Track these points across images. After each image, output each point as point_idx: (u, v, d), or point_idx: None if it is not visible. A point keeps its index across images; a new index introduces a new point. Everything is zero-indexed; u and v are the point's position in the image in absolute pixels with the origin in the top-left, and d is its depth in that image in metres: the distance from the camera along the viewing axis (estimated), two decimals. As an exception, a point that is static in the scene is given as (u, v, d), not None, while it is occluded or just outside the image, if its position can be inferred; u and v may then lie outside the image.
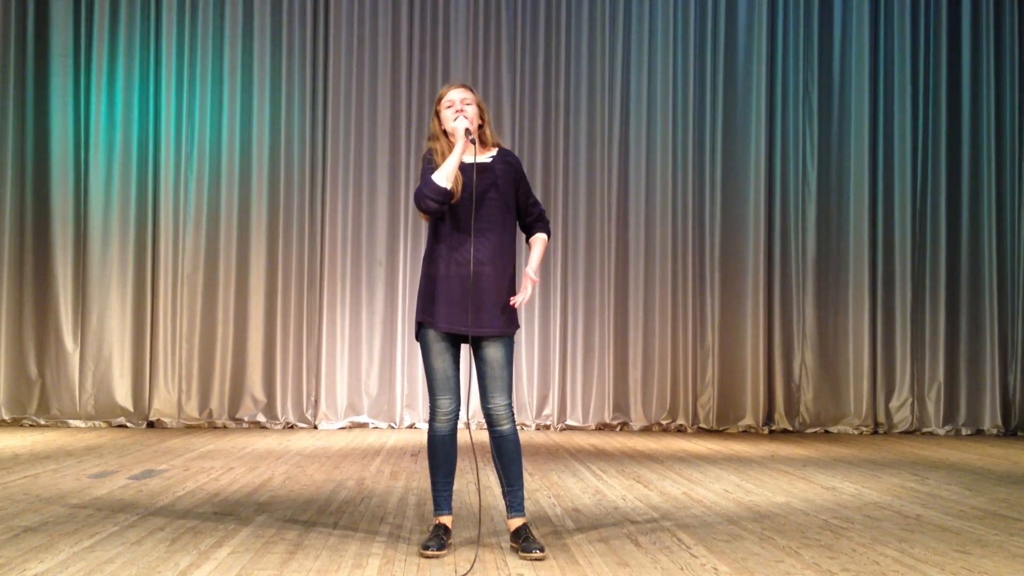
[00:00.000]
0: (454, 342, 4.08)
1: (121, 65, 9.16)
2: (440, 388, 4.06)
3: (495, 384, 4.04)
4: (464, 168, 4.02)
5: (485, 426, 4.16)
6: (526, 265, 4.17)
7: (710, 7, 9.64)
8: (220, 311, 9.17)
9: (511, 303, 4.06)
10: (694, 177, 9.56)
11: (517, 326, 4.13)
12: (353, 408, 9.23)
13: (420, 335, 4.09)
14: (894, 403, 9.63)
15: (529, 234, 4.26)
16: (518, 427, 4.10)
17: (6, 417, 8.92)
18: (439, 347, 4.05)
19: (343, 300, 9.29)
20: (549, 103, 9.54)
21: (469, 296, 3.97)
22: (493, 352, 4.03)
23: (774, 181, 9.62)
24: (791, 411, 9.53)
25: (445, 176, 3.95)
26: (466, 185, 4.01)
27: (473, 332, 3.99)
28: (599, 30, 9.55)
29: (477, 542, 4.16)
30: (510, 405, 4.07)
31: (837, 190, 9.70)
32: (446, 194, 3.96)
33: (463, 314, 3.98)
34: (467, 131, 4.00)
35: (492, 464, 4.27)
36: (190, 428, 8.93)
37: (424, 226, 9.33)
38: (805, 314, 9.60)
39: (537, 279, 4.15)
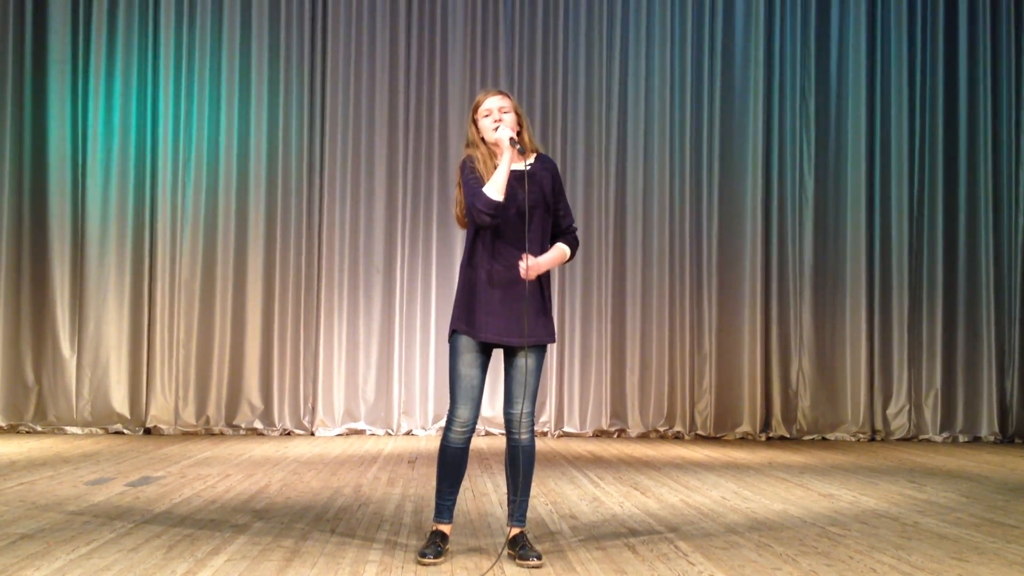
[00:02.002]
0: (486, 350, 4.04)
1: (119, 71, 9.16)
2: (462, 397, 4.01)
3: (521, 391, 4.03)
4: (514, 177, 3.98)
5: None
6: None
7: (707, 13, 9.66)
8: (217, 317, 9.16)
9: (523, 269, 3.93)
10: (691, 183, 9.57)
11: (555, 336, 4.10)
12: (350, 415, 9.22)
13: (452, 341, 4.05)
14: (891, 410, 9.64)
15: (554, 242, 4.14)
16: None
17: (3, 424, 8.90)
18: (471, 356, 4.01)
19: (340, 307, 9.28)
20: (546, 110, 9.55)
21: (525, 306, 3.92)
22: (525, 359, 4.01)
23: (771, 187, 9.64)
24: (788, 418, 9.53)
25: (497, 188, 3.91)
26: (518, 195, 3.97)
27: (514, 343, 3.96)
28: (596, 36, 9.57)
29: (500, 553, 4.16)
30: (532, 414, 4.06)
31: (834, 196, 9.72)
32: (500, 207, 3.91)
33: (505, 324, 3.95)
34: (512, 141, 3.96)
35: (501, 468, 4.26)
36: (187, 435, 8.92)
37: (422, 234, 9.38)
38: (802, 321, 9.61)
39: (535, 264, 3.95)
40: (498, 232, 3.99)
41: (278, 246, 9.23)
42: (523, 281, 3.96)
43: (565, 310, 9.45)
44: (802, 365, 9.59)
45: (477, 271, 4.01)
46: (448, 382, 4.12)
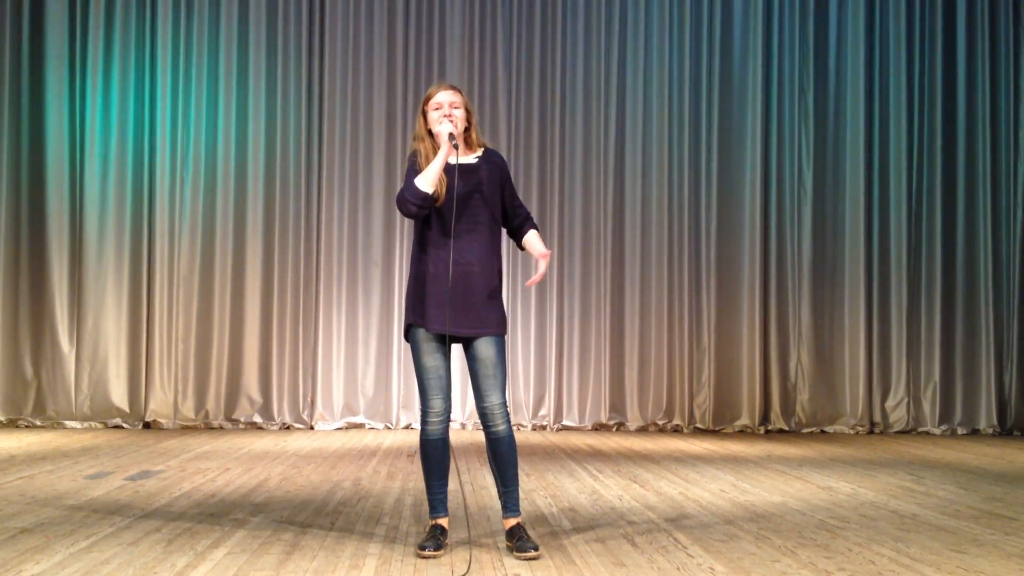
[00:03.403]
0: (444, 342, 4.07)
1: (116, 67, 9.15)
2: (432, 388, 4.04)
3: (489, 383, 4.03)
4: (448, 170, 4.01)
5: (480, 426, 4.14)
6: (535, 252, 4.19)
7: (706, 6, 9.65)
8: (216, 312, 9.17)
9: (528, 284, 4.24)
10: (690, 178, 9.57)
11: (506, 327, 4.14)
12: (349, 409, 9.23)
13: (410, 335, 4.08)
14: (890, 403, 9.65)
15: (520, 234, 4.26)
16: (514, 427, 4.09)
17: (2, 418, 8.91)
18: (429, 347, 4.04)
19: (339, 301, 9.29)
20: (544, 105, 9.54)
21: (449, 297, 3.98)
22: (485, 350, 4.02)
23: (770, 181, 9.64)
24: (787, 411, 9.54)
25: (427, 181, 3.95)
26: (451, 188, 4.00)
27: (464, 333, 3.99)
28: (594, 31, 9.56)
29: (470, 543, 4.16)
30: (504, 404, 4.06)
31: (833, 190, 9.72)
32: (427, 199, 3.95)
33: (453, 316, 3.97)
34: (451, 135, 3.99)
35: (488, 464, 4.27)
36: (186, 429, 8.92)
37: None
38: (801, 314, 9.62)
39: (548, 251, 4.19)
40: (442, 226, 4.01)
41: (276, 240, 9.23)
42: (472, 273, 4.00)
43: (564, 304, 9.45)
44: (801, 358, 9.59)
45: (425, 264, 4.04)
46: (416, 378, 4.13)
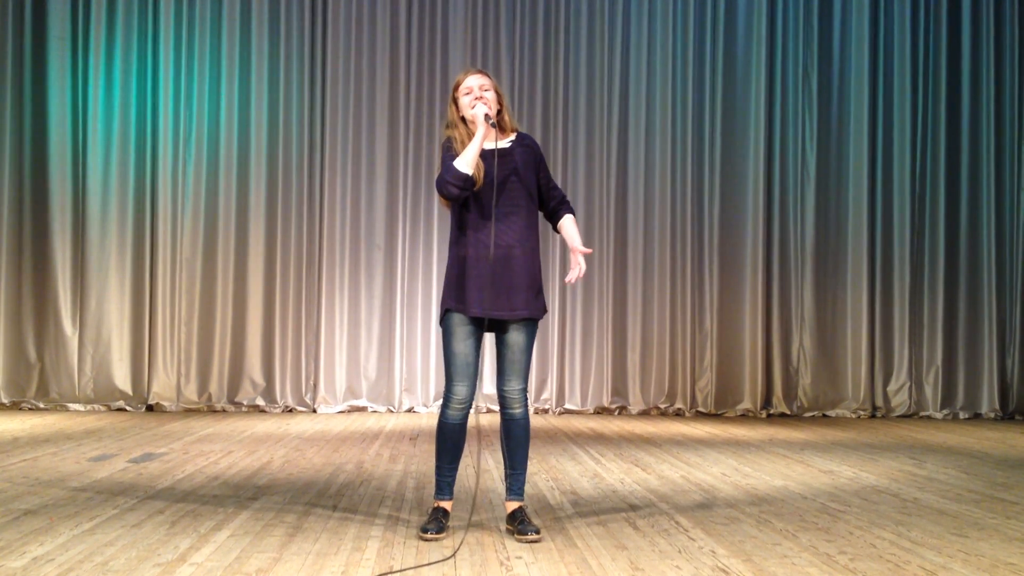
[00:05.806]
0: (479, 327, 4.06)
1: (119, 49, 9.13)
2: (459, 374, 4.02)
3: (513, 368, 4.05)
4: (484, 155, 4.01)
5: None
6: (570, 244, 4.18)
7: (710, -10, 9.63)
8: (219, 295, 9.18)
9: (567, 281, 4.20)
10: (693, 161, 9.55)
11: (546, 310, 4.15)
12: (352, 392, 9.24)
13: (445, 320, 4.07)
14: (892, 387, 9.65)
15: (556, 218, 4.25)
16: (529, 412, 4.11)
17: (5, 400, 8.93)
18: (464, 331, 4.02)
19: (342, 284, 9.29)
20: (548, 88, 9.52)
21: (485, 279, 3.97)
22: (516, 335, 4.03)
23: (773, 165, 9.62)
24: (789, 395, 9.55)
25: (467, 163, 3.95)
26: (488, 172, 4.00)
27: (503, 316, 3.98)
28: (598, 15, 9.53)
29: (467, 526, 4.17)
30: (524, 390, 4.08)
31: (836, 174, 9.70)
32: (468, 180, 3.95)
33: (495, 299, 3.97)
34: (487, 116, 3.98)
35: (499, 445, 4.28)
36: (189, 412, 8.95)
37: (423, 211, 9.37)
38: (804, 298, 9.62)
39: (588, 250, 4.15)
40: (482, 210, 4.01)
41: (279, 223, 9.23)
42: (513, 256, 3.99)
43: (567, 288, 9.45)
44: (803, 342, 9.60)
45: (465, 249, 4.03)
46: (444, 361, 4.13)
